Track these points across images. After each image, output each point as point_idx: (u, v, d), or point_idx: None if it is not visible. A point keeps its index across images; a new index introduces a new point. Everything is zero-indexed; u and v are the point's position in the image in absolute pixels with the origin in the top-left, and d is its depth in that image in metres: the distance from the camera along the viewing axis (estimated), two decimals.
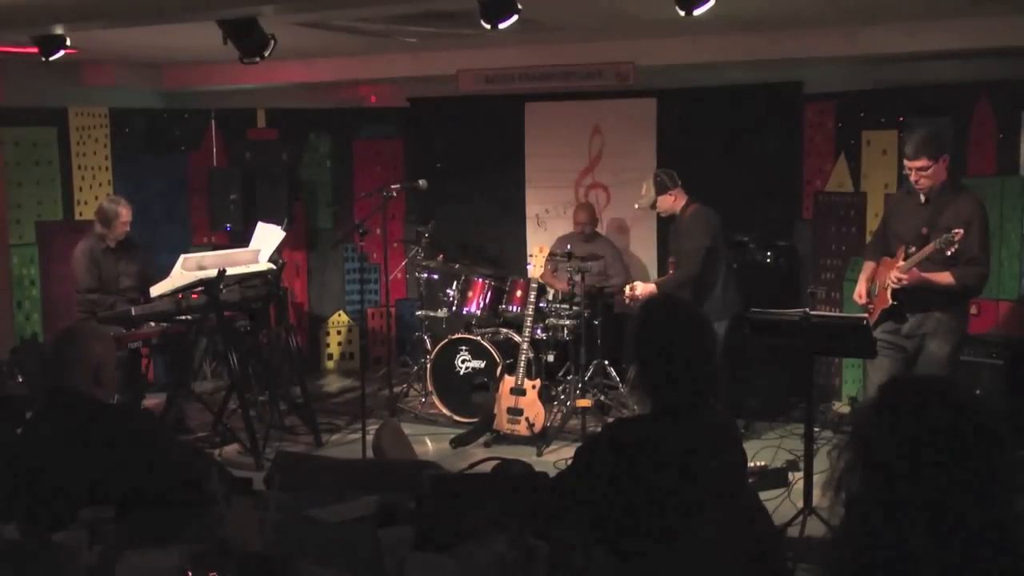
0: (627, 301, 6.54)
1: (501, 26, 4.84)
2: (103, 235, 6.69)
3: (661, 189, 6.35)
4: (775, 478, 5.48)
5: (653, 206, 6.44)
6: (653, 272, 7.82)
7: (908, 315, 4.95)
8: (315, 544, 2.71)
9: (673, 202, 6.38)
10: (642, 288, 6.26)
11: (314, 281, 8.88)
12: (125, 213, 6.70)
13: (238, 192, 8.20)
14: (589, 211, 7.68)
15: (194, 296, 6.26)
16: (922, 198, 4.95)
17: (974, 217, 4.85)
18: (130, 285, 6.76)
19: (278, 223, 7.22)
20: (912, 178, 4.92)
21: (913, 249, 4.88)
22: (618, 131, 7.98)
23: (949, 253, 4.68)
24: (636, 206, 6.67)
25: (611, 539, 2.54)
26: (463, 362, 7.02)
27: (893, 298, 4.92)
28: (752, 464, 5.40)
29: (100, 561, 2.48)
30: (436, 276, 7.77)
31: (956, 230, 4.65)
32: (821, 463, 4.79)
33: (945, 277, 4.83)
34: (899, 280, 4.84)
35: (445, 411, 7.05)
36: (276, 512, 2.70)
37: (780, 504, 5.05)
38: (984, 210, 4.95)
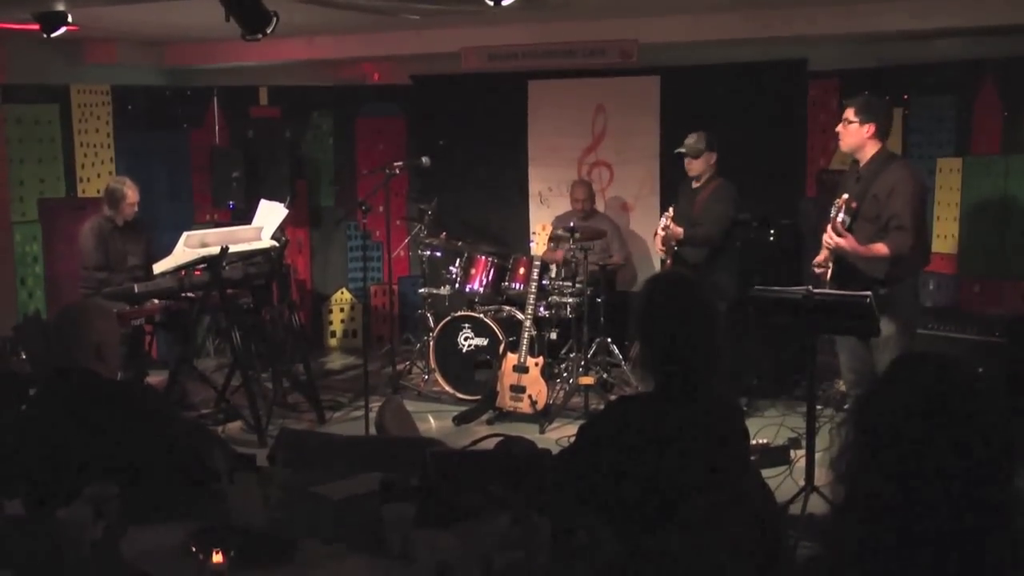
0: (660, 239, 6.37)
1: (504, 3, 4.82)
2: (111, 216, 6.73)
3: (710, 147, 6.39)
4: (777, 456, 5.50)
5: (697, 155, 6.38)
6: (653, 251, 7.77)
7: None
8: (318, 521, 2.72)
9: (709, 165, 6.42)
10: (674, 228, 6.17)
11: (317, 259, 8.88)
12: (131, 195, 6.74)
13: (241, 170, 8.19)
14: (587, 188, 7.65)
15: (197, 273, 6.27)
16: (857, 176, 4.96)
17: (900, 183, 4.82)
18: (137, 264, 6.77)
19: (281, 201, 7.21)
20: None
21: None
22: (621, 109, 7.95)
23: (854, 205, 4.78)
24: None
25: (613, 517, 2.55)
26: (466, 340, 7.02)
27: (833, 262, 4.88)
28: (754, 442, 5.40)
29: (104, 537, 2.49)
30: (439, 254, 7.76)
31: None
32: (823, 441, 4.80)
33: (880, 248, 4.80)
34: (835, 243, 4.81)
35: (448, 388, 7.06)
36: (279, 489, 2.72)
37: (782, 482, 5.05)
38: (916, 178, 4.92)
